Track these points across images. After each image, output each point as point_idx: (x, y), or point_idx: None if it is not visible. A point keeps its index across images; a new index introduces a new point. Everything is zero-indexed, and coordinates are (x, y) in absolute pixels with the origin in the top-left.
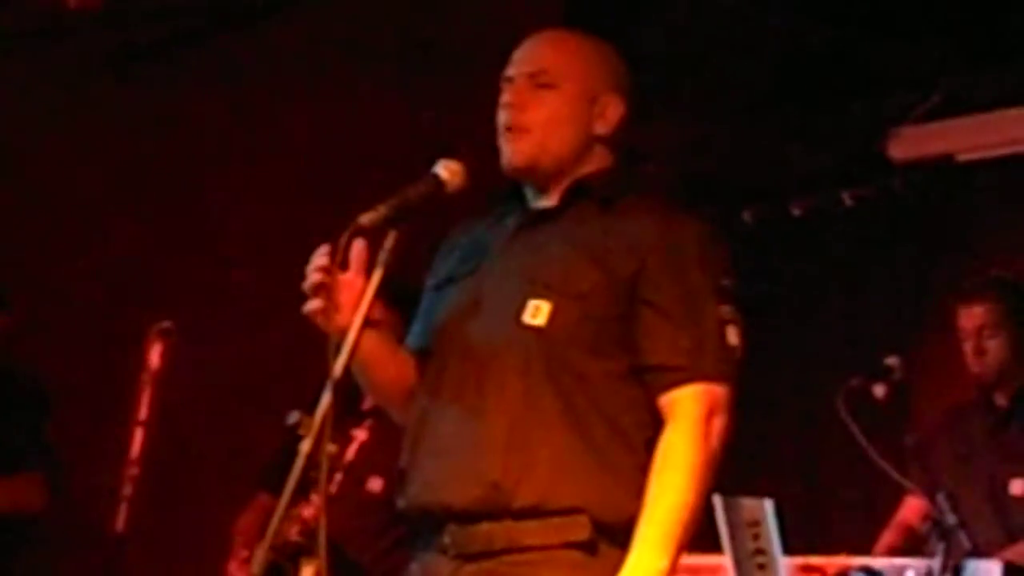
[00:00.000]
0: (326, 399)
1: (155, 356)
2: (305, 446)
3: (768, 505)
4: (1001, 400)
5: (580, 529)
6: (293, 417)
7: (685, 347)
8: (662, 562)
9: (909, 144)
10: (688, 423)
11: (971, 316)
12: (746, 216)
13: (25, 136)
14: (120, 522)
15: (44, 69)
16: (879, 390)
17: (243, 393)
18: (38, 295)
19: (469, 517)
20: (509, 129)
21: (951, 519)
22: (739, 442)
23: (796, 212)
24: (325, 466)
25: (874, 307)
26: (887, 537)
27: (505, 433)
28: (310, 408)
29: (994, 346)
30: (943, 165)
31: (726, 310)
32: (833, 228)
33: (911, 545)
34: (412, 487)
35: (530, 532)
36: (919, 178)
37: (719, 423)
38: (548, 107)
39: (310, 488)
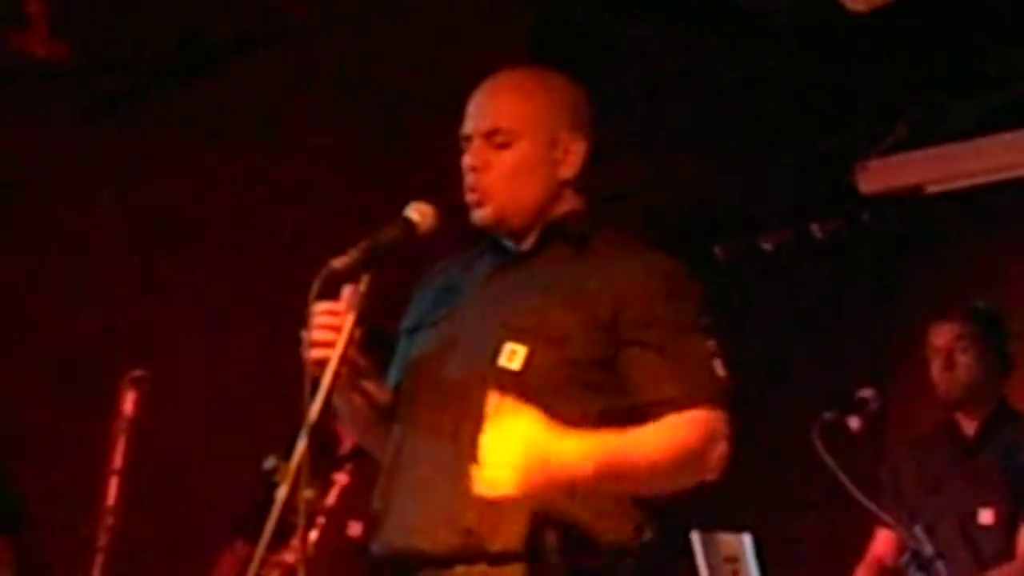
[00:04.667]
0: (302, 444)
1: (129, 404)
2: (282, 492)
3: (747, 540)
4: (967, 428)
5: (556, 571)
6: (269, 462)
7: (680, 378)
8: (585, 469)
9: (878, 176)
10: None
11: (942, 333)
12: (717, 251)
13: None
14: (96, 572)
15: (12, 116)
16: (854, 423)
17: (218, 440)
18: (8, 343)
19: (443, 562)
20: (473, 191)
21: (929, 550)
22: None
23: (767, 246)
24: (303, 511)
25: (846, 339)
26: (860, 574)
27: None
28: (287, 453)
29: (964, 362)
30: (912, 197)
31: (711, 344)
32: (804, 261)
33: None
34: (385, 531)
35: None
36: (889, 210)
37: (720, 449)
38: (509, 166)
39: (290, 534)
